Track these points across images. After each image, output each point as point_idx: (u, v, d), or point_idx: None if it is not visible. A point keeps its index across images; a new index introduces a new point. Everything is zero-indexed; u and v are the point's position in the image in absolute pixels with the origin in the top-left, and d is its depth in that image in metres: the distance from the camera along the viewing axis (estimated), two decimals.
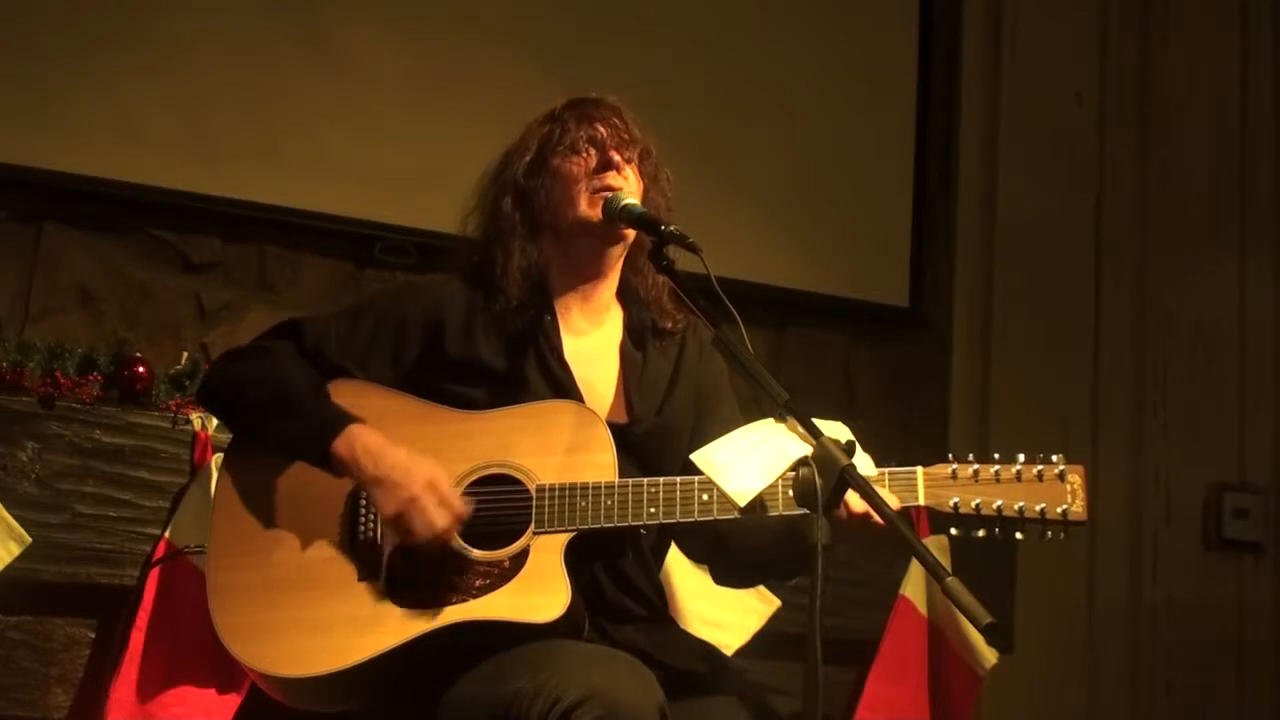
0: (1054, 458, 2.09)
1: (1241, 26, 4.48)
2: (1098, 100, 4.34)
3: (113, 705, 2.72)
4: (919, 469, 2.10)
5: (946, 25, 4.26)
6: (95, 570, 2.84)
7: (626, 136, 2.34)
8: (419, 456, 2.12)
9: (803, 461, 1.88)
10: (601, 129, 2.32)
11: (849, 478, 1.83)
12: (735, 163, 3.84)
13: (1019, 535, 2.08)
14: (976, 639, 3.35)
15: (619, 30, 3.79)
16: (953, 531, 2.09)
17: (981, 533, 2.08)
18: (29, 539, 2.74)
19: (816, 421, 1.92)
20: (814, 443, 1.89)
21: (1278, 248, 4.41)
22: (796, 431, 1.95)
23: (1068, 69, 4.32)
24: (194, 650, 2.74)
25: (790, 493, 1.90)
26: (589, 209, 2.28)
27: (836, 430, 1.95)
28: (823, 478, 1.84)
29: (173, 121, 3.34)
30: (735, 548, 2.31)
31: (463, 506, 2.11)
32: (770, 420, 2.01)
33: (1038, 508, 2.05)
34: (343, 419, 2.16)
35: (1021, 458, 2.09)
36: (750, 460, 1.96)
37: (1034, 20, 4.30)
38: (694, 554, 2.44)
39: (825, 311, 4.00)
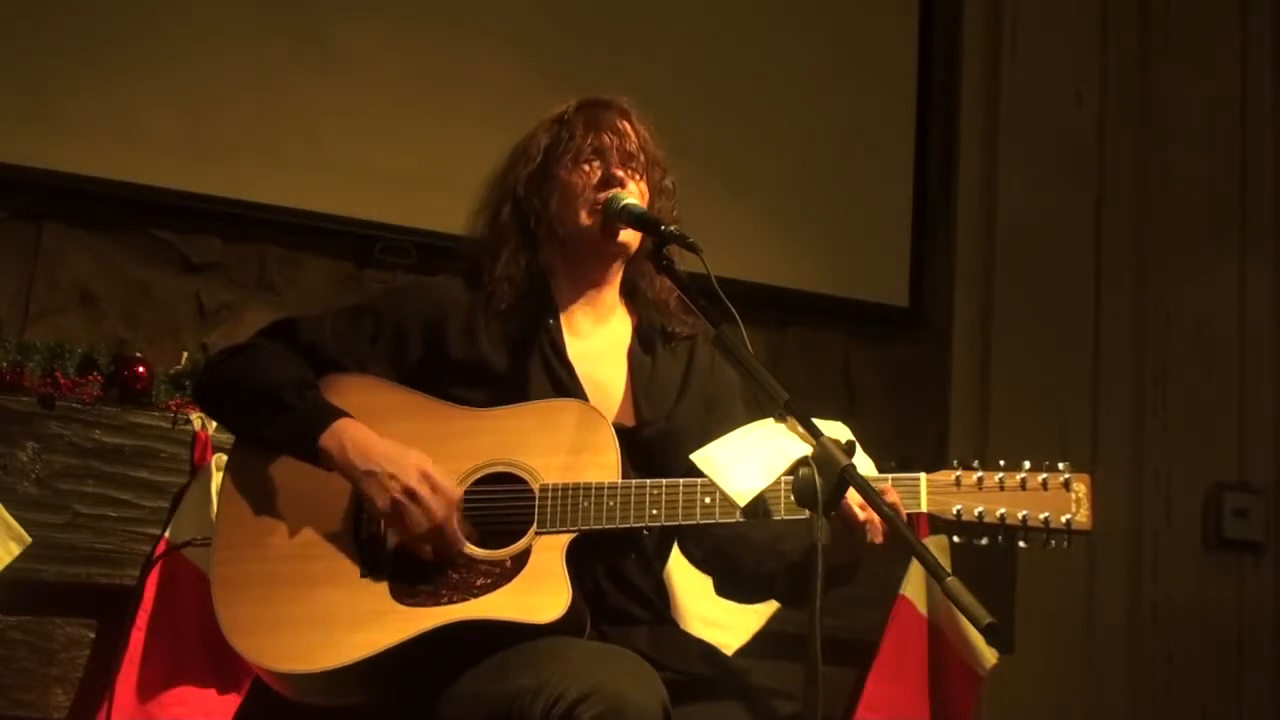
0: (1060, 465, 2.08)
1: (1241, 26, 4.48)
2: (1098, 100, 4.33)
3: (113, 705, 2.71)
4: (922, 475, 2.09)
5: (946, 25, 4.26)
6: (95, 570, 2.83)
7: (632, 147, 2.32)
8: (406, 448, 2.12)
9: (803, 461, 1.88)
10: (608, 139, 2.31)
11: (849, 478, 1.83)
12: (735, 163, 3.83)
13: (1022, 544, 2.08)
14: (976, 639, 3.34)
15: (619, 29, 3.79)
16: (955, 539, 2.08)
17: (984, 540, 2.08)
18: (29, 539, 2.73)
19: (816, 421, 1.93)
20: (814, 443, 1.89)
21: (1278, 248, 4.40)
22: (796, 431, 1.95)
23: (1068, 69, 4.31)
24: (194, 650, 2.74)
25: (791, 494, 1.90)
26: (589, 220, 2.28)
27: (836, 430, 1.95)
28: (823, 478, 1.84)
29: (173, 121, 3.34)
30: (746, 573, 2.29)
31: (457, 492, 2.11)
32: (770, 420, 2.01)
33: (1041, 516, 2.04)
34: (329, 413, 2.15)
35: (1027, 465, 2.08)
36: (750, 460, 1.95)
37: (1034, 20, 4.29)
38: (696, 562, 2.41)
39: (825, 311, 4.00)
